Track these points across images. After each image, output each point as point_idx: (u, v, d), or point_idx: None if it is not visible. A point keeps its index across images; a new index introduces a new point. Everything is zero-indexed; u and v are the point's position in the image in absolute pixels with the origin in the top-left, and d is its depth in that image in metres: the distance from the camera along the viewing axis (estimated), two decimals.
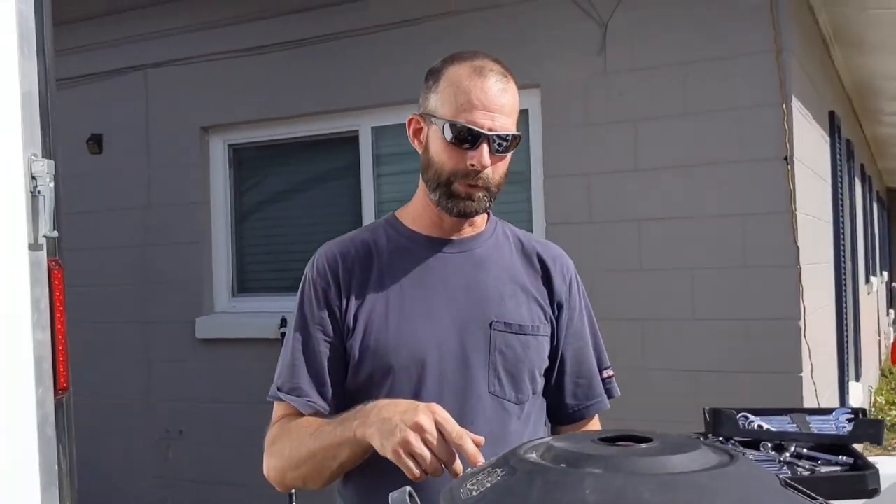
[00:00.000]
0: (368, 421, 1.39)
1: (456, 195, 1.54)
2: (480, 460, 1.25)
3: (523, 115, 4.12)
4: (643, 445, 0.81)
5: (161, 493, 4.90)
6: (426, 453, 1.28)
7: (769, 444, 1.65)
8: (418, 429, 1.30)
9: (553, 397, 1.69)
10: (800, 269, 3.54)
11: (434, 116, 1.55)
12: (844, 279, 5.29)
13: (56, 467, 2.02)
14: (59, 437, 2.12)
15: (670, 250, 3.78)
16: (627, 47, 3.85)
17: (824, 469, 1.59)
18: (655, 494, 0.70)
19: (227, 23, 4.71)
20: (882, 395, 7.36)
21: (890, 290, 11.90)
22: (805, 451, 1.64)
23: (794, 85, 3.60)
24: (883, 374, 8.68)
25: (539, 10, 4.00)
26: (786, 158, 3.56)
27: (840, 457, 1.63)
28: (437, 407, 1.34)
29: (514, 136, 1.53)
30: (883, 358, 9.31)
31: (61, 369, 2.15)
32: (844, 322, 5.23)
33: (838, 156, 5.26)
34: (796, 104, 3.65)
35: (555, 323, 1.66)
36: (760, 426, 1.70)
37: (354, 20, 4.39)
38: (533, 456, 0.84)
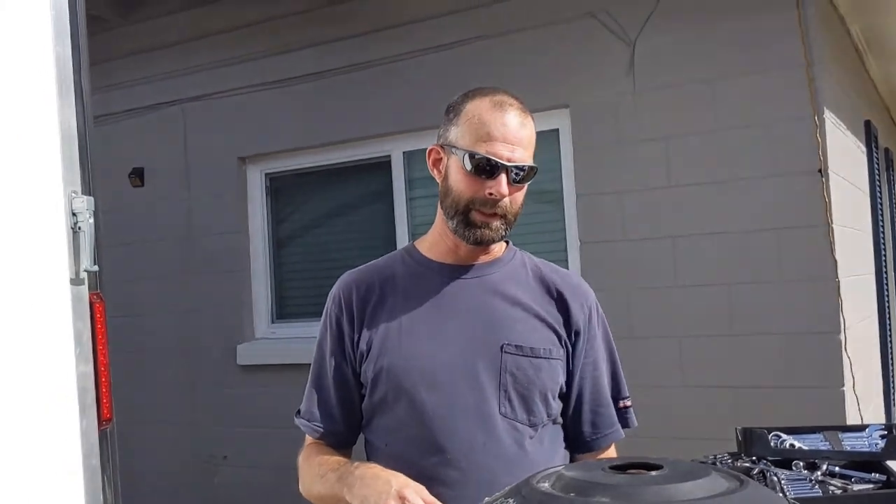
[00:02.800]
0: (353, 492, 1.47)
1: (473, 223, 1.60)
2: None
3: (553, 134, 4.14)
4: (653, 473, 0.83)
5: None
6: None
7: (801, 463, 1.64)
8: None
9: (570, 426, 1.72)
10: (838, 281, 3.50)
11: (454, 147, 1.61)
12: (887, 290, 5.20)
13: (101, 497, 2.06)
14: (104, 467, 2.15)
15: (706, 266, 3.76)
16: (656, 65, 3.85)
17: (857, 487, 1.57)
18: None
19: (259, 56, 4.81)
20: None
21: None
22: (837, 469, 1.62)
23: (826, 96, 3.58)
24: None
25: (566, 32, 4.03)
26: (819, 171, 3.53)
27: (873, 474, 1.62)
28: (408, 490, 1.40)
29: (530, 168, 1.59)
30: None
31: (105, 400, 2.20)
32: (889, 333, 5.14)
33: (875, 165, 5.19)
34: (829, 116, 3.62)
35: (570, 350, 1.69)
36: (793, 445, 1.69)
37: (384, 49, 4.46)
38: (545, 486, 0.86)
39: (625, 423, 1.76)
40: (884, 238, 5.29)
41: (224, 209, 4.97)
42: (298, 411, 1.75)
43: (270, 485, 4.70)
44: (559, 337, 1.67)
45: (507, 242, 1.76)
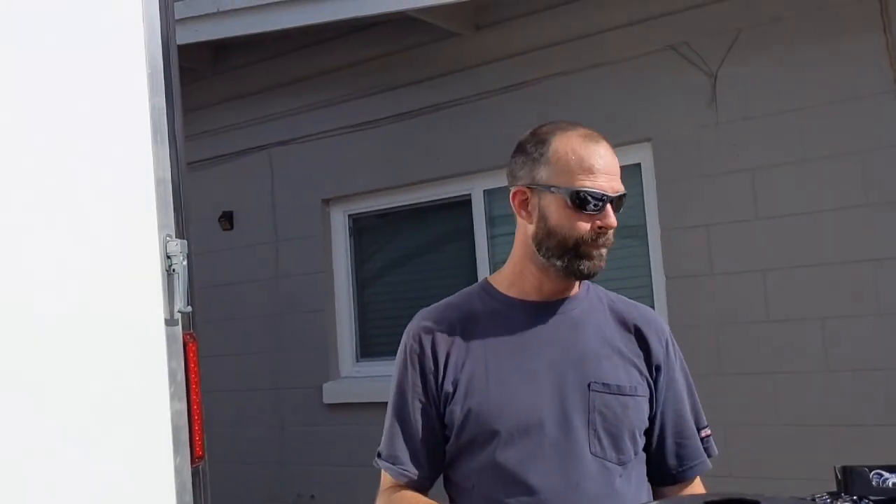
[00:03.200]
0: None
1: (588, 257, 1.57)
2: None
3: (636, 168, 4.10)
4: None
5: None
6: None
7: None
8: None
9: (654, 459, 1.68)
10: None
11: (551, 186, 1.58)
12: None
13: None
14: (196, 503, 2.19)
15: (798, 300, 3.64)
16: (738, 96, 3.79)
17: None
18: None
19: (341, 100, 4.93)
20: None
21: None
22: None
23: None
24: None
25: (645, 65, 4.00)
26: None
27: None
28: None
29: (625, 196, 1.60)
30: None
31: (197, 438, 2.24)
32: None
33: None
34: None
35: (653, 385, 1.65)
36: None
37: (462, 88, 4.51)
38: None
39: (708, 452, 1.71)
40: None
41: (309, 250, 5.06)
42: (379, 454, 1.70)
43: None
44: (641, 374, 1.64)
45: None
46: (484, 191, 4.54)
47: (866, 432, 3.43)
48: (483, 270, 4.47)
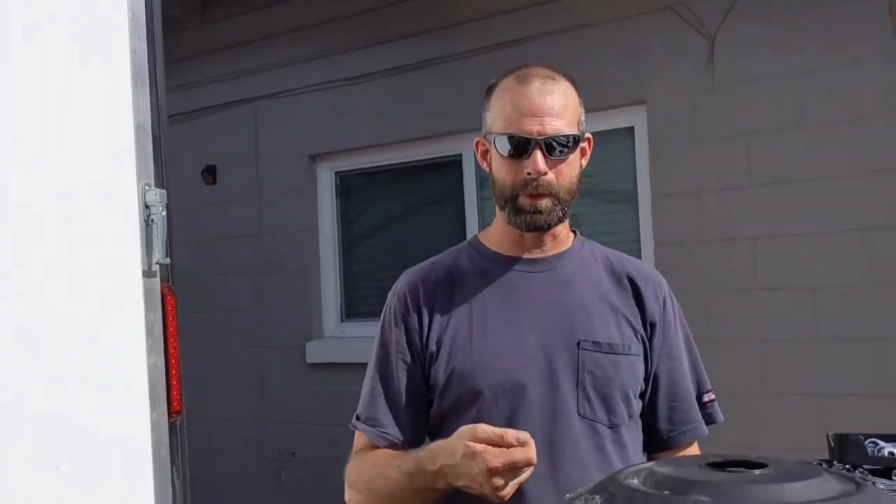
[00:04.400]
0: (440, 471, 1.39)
1: (522, 209, 1.51)
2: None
3: (629, 132, 4.03)
4: (756, 472, 0.74)
5: None
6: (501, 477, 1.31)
7: None
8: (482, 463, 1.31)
9: (646, 422, 1.61)
10: None
11: (490, 134, 1.54)
12: None
13: (170, 489, 2.05)
14: (173, 459, 2.15)
15: (789, 268, 3.60)
16: (737, 59, 3.71)
17: None
18: None
19: (329, 53, 4.81)
20: None
21: None
22: None
23: None
24: None
25: (643, 25, 3.91)
26: None
27: None
28: (467, 431, 1.34)
29: (570, 137, 1.49)
30: None
31: (175, 393, 2.19)
32: None
33: None
34: None
35: (647, 343, 1.58)
36: (892, 453, 1.57)
37: (455, 44, 4.41)
38: (634, 481, 0.78)
39: (709, 418, 1.65)
40: None
41: (294, 207, 4.98)
42: (357, 416, 1.63)
43: (338, 483, 4.68)
44: (636, 332, 1.57)
45: (574, 233, 1.67)
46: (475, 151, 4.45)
47: (853, 403, 3.41)
48: (472, 232, 4.39)
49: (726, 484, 0.70)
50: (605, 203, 4.13)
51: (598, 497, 0.76)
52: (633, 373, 1.55)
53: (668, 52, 3.87)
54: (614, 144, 4.06)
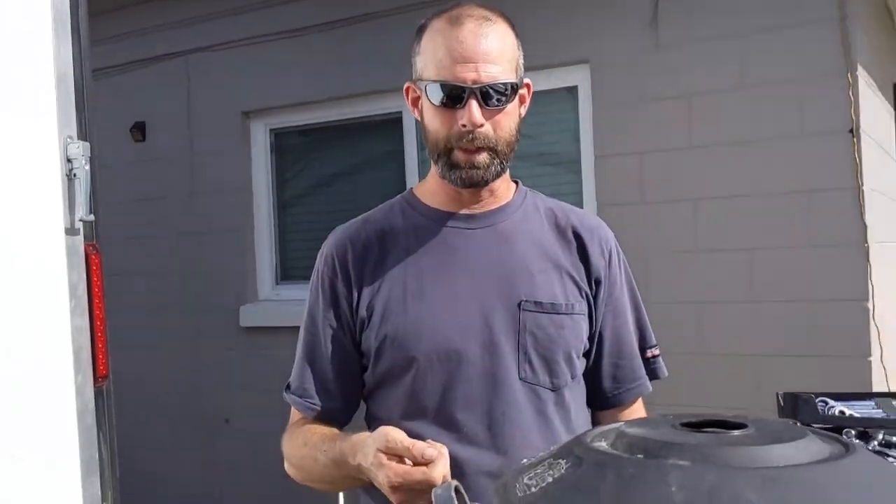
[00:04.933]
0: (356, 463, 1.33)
1: (457, 163, 1.41)
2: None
3: (572, 91, 3.98)
4: (737, 433, 0.69)
5: (207, 482, 4.88)
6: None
7: (853, 432, 1.51)
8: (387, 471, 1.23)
9: (589, 381, 1.55)
10: (868, 247, 3.35)
11: (421, 80, 1.43)
12: None
13: (97, 456, 1.98)
14: (100, 425, 2.08)
15: (728, 230, 3.61)
16: (681, 18, 3.67)
17: None
18: (759, 492, 0.57)
19: (266, 5, 4.63)
20: None
21: None
22: (895, 438, 1.49)
23: (859, 54, 3.41)
24: None
25: None
26: (851, 131, 3.37)
27: None
28: (380, 437, 1.26)
29: (508, 85, 1.39)
30: None
31: (101, 357, 2.11)
32: None
33: None
34: (862, 74, 3.45)
35: (592, 301, 1.51)
36: (843, 412, 1.56)
37: None
38: (602, 444, 0.72)
39: (653, 374, 1.61)
40: None
41: (227, 166, 4.82)
42: (288, 386, 1.56)
43: (273, 449, 4.60)
44: (580, 289, 1.50)
45: (516, 184, 1.59)
46: None
47: (789, 364, 3.45)
48: None
49: (706, 446, 0.64)
50: (546, 165, 4.07)
51: (563, 461, 0.69)
52: (576, 333, 1.49)
53: (611, 9, 3.81)
54: (557, 104, 4.00)
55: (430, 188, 1.54)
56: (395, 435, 1.25)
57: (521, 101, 1.50)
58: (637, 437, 0.68)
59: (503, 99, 1.39)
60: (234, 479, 4.77)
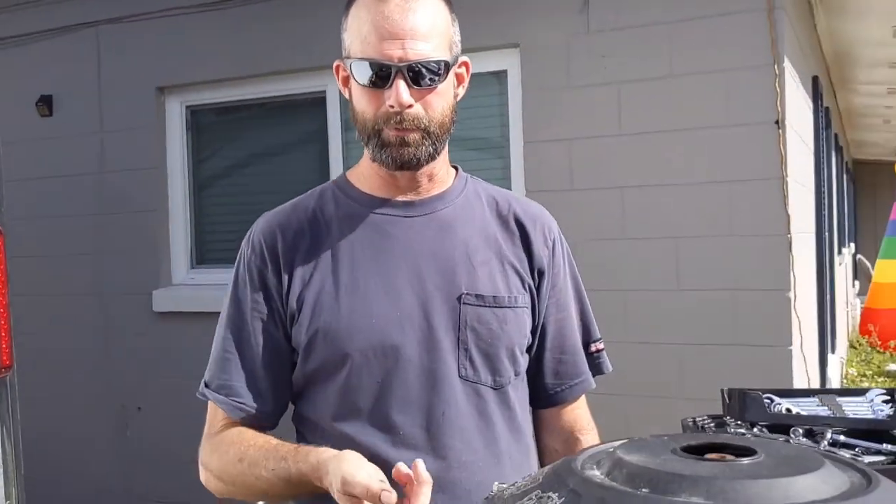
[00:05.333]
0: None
1: (388, 144, 1.32)
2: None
3: (502, 76, 3.92)
4: (746, 461, 0.62)
5: (119, 472, 4.68)
6: None
7: (800, 431, 1.49)
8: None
9: (530, 377, 1.47)
10: (790, 238, 3.40)
11: (348, 59, 1.33)
12: (825, 250, 5.19)
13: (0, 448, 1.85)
14: (3, 418, 1.95)
15: (654, 218, 3.61)
16: (612, 4, 3.64)
17: (867, 459, 1.43)
18: None
19: None
20: (853, 366, 7.34)
21: (855, 262, 11.91)
22: (842, 438, 1.48)
23: (784, 46, 3.44)
24: (852, 346, 8.68)
25: None
26: (777, 122, 3.40)
27: (885, 445, 1.47)
28: (346, 476, 1.14)
29: (440, 64, 1.31)
30: (850, 329, 9.32)
31: (3, 346, 1.97)
32: (825, 293, 5.14)
33: (820, 123, 5.14)
34: (787, 66, 3.49)
35: (535, 293, 1.44)
36: (789, 409, 1.54)
37: None
38: (596, 473, 0.64)
39: (597, 369, 1.54)
40: (824, 197, 5.25)
41: (140, 143, 4.59)
42: (206, 384, 1.41)
43: (186, 437, 4.43)
44: (523, 281, 1.43)
45: (456, 169, 1.50)
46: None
47: (714, 352, 3.48)
48: (336, 176, 4.19)
49: (719, 479, 0.57)
50: (474, 150, 4.01)
51: (554, 496, 0.62)
52: (520, 327, 1.41)
53: None
54: (486, 89, 3.93)
55: (363, 172, 1.44)
56: (351, 474, 1.14)
57: (459, 81, 1.42)
58: (638, 466, 0.61)
59: (435, 78, 1.31)
60: (147, 469, 4.59)
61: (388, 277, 1.36)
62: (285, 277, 1.37)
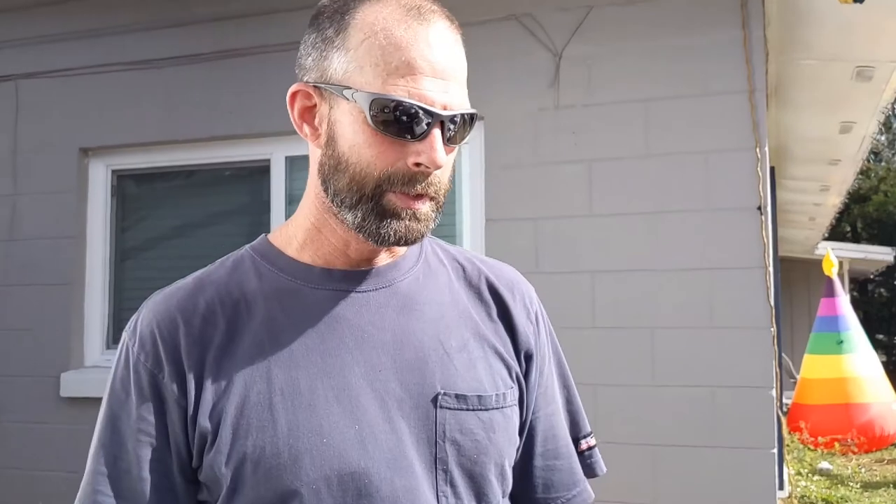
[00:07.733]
0: None
1: (392, 214, 0.97)
2: None
3: (461, 151, 3.66)
4: None
5: None
6: None
7: None
8: None
9: (516, 484, 1.11)
10: (774, 331, 3.18)
11: (345, 87, 0.96)
12: (779, 342, 5.03)
13: None
14: None
15: (628, 306, 3.36)
16: (583, 79, 3.46)
17: None
18: None
19: (115, 31, 4.09)
20: (788, 465, 7.17)
21: (780, 358, 11.96)
22: None
23: (765, 130, 3.29)
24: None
25: (484, 36, 3.56)
26: (759, 208, 3.22)
27: None
28: None
29: (474, 117, 1.00)
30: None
31: None
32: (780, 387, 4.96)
33: (776, 215, 5.04)
34: (767, 151, 3.34)
35: (523, 383, 1.10)
36: None
37: (267, 34, 3.85)
38: None
39: (590, 471, 1.19)
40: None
41: (58, 209, 4.16)
42: None
43: None
44: (509, 368, 1.08)
45: None
46: (286, 157, 3.89)
47: (690, 453, 3.21)
48: None
49: None
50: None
51: None
52: (509, 435, 1.07)
53: (510, 65, 3.55)
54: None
55: (298, 235, 1.07)
56: None
57: None
58: None
59: (464, 136, 1.00)
60: None
61: (341, 377, 0.99)
62: (191, 384, 0.99)
